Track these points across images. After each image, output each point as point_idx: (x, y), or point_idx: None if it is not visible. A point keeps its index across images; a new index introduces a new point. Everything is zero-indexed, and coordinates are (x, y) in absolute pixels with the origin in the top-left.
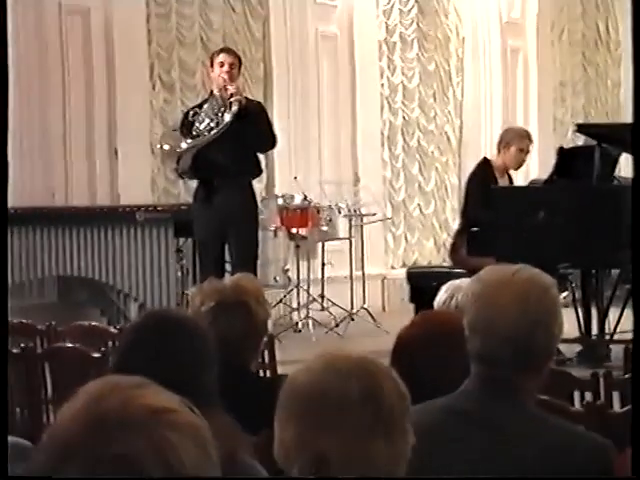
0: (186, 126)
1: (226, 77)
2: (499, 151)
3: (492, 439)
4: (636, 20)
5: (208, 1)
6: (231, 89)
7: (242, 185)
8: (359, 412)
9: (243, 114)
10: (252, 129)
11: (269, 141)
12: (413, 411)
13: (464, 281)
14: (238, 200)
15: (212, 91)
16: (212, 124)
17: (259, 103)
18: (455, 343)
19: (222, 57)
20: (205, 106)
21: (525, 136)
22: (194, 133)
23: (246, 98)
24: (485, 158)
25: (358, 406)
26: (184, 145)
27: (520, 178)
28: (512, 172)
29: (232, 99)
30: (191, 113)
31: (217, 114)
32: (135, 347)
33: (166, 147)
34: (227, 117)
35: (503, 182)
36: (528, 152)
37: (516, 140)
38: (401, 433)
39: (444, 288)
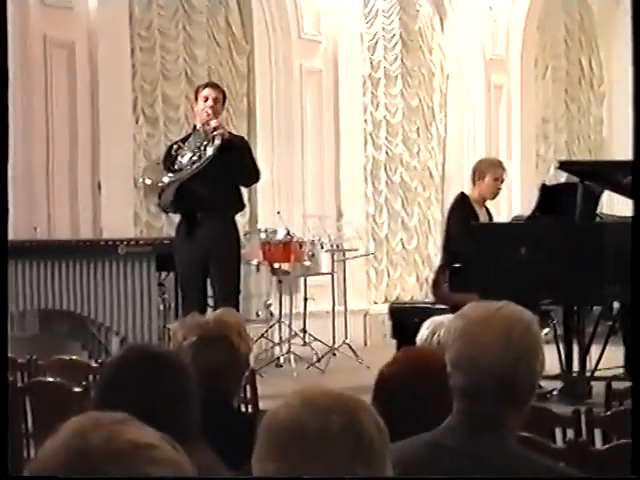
0: (169, 160)
1: (210, 112)
2: (474, 183)
3: (477, 473)
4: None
5: (193, 35)
6: (214, 123)
7: (225, 219)
8: (339, 445)
9: (226, 148)
10: (235, 163)
11: (253, 175)
12: (398, 447)
13: (446, 317)
14: (220, 234)
15: (195, 125)
16: (194, 158)
17: (242, 138)
18: (437, 379)
19: (207, 91)
20: (189, 140)
21: (498, 165)
22: (176, 167)
23: (229, 132)
24: (462, 193)
25: (338, 439)
26: (166, 179)
27: (503, 214)
28: (491, 204)
29: (215, 133)
30: (175, 147)
31: (200, 148)
32: (116, 382)
33: (148, 181)
34: (209, 151)
35: (482, 214)
36: (503, 181)
37: (490, 170)
38: (380, 467)
39: (426, 324)
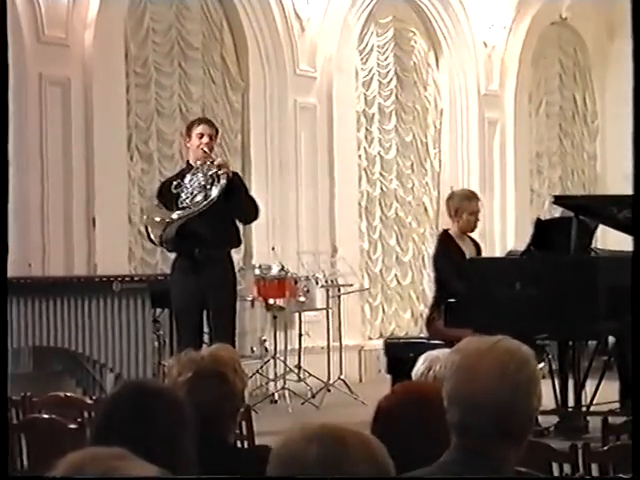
0: (171, 197)
1: (206, 149)
2: (452, 219)
3: None
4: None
5: (188, 72)
6: (218, 161)
7: (222, 256)
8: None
9: (230, 187)
10: (237, 201)
11: (253, 212)
12: None
13: (442, 352)
14: (217, 271)
15: (189, 162)
16: (199, 197)
17: (237, 174)
18: (436, 413)
19: (202, 128)
20: (187, 177)
21: (472, 197)
22: (182, 205)
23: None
24: (445, 231)
25: (318, 471)
26: (175, 216)
27: (498, 249)
28: (487, 239)
29: (220, 172)
30: (174, 184)
31: (205, 187)
32: (112, 418)
33: (157, 219)
34: (215, 191)
35: (466, 246)
36: (479, 211)
37: (464, 205)
38: None
39: (422, 359)
